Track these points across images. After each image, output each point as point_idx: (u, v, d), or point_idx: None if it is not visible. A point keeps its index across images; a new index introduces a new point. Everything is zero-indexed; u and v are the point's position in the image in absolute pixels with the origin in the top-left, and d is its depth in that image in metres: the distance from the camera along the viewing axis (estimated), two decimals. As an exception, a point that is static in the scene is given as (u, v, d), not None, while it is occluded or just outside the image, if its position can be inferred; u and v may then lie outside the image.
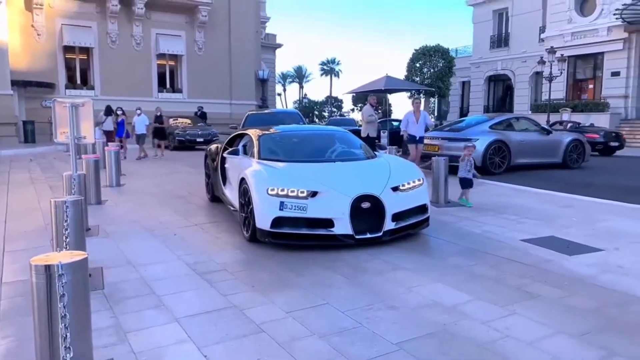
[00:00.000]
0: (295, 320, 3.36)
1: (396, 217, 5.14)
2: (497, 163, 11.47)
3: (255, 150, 6.15)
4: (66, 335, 2.02)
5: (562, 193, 8.54)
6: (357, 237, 4.92)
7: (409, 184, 5.41)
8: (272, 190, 4.95)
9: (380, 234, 5.02)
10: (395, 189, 5.24)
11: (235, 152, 6.52)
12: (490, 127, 12.07)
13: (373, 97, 12.95)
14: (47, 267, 2.35)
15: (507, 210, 7.03)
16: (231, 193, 6.42)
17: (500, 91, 36.95)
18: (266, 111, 18.27)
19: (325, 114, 65.79)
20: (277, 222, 4.91)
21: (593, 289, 3.96)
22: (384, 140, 16.61)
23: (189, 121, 21.49)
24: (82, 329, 2.50)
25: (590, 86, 28.12)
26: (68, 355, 1.94)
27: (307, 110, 59.64)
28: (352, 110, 62.37)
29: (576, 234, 5.66)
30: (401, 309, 3.55)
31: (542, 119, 21.67)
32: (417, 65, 35.13)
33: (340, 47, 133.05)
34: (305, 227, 4.95)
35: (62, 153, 16.59)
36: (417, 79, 34.45)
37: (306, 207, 4.86)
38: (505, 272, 4.38)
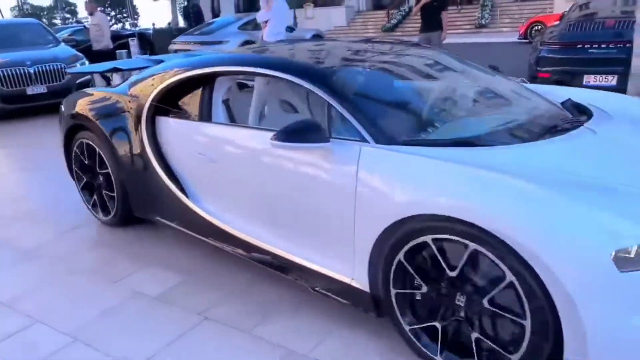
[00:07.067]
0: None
1: None
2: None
3: (347, 114, 2.21)
4: None
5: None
6: None
7: None
8: (622, 251, 1.55)
9: None
10: None
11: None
12: (239, 27, 11.99)
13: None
14: None
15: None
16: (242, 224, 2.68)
17: (249, -11, 36.63)
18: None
19: (58, 21, 56.24)
20: None
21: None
22: (134, 48, 14.60)
23: None
24: None
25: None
26: None
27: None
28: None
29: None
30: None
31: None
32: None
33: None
34: None
35: None
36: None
37: None
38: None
